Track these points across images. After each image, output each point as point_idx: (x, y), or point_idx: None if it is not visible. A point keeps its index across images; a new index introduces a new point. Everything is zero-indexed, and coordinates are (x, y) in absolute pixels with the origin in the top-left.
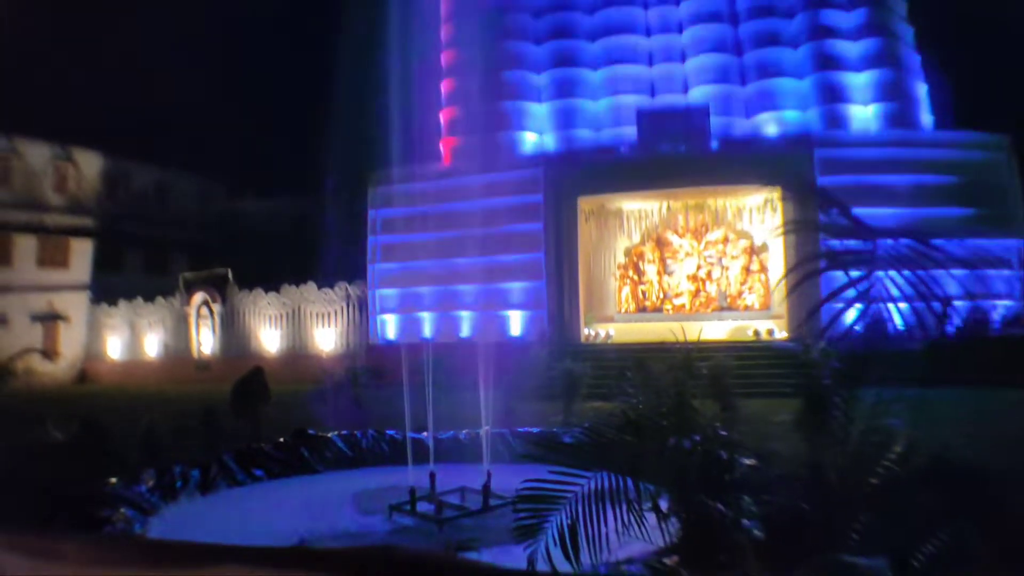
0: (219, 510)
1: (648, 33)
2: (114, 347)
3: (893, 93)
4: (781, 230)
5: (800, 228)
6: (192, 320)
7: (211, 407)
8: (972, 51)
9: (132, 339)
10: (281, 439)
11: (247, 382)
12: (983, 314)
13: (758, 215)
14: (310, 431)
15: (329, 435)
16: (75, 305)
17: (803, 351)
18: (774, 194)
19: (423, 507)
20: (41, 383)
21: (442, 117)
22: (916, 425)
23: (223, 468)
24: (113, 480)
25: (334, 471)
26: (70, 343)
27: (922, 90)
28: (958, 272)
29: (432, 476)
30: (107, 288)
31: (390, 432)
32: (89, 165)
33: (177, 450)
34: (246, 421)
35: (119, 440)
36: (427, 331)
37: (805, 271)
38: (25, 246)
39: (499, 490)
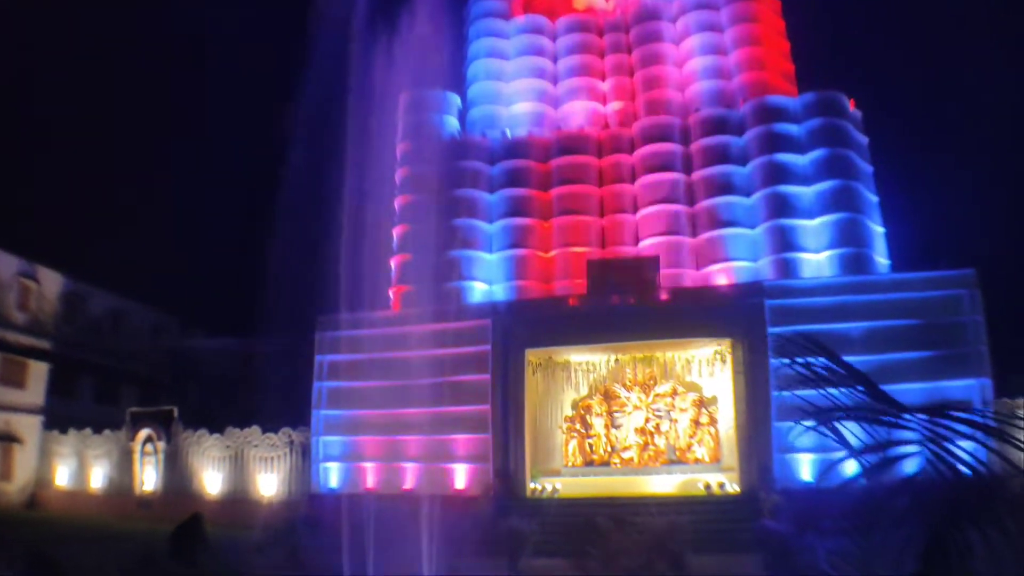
0: None
1: (600, 183)
2: (63, 475)
3: (849, 237)
4: (740, 379)
5: (789, 383)
6: (136, 456)
7: (150, 551)
8: (928, 189)
9: (80, 469)
10: None
11: (186, 528)
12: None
13: (707, 367)
14: None
15: None
16: (29, 428)
17: (756, 504)
18: (724, 346)
19: None
20: None
21: (393, 263)
22: None
23: None
24: None
25: None
26: (23, 466)
27: (879, 232)
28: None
29: None
30: (59, 414)
31: None
32: (51, 285)
33: None
34: (184, 568)
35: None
36: (370, 481)
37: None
38: None
39: None
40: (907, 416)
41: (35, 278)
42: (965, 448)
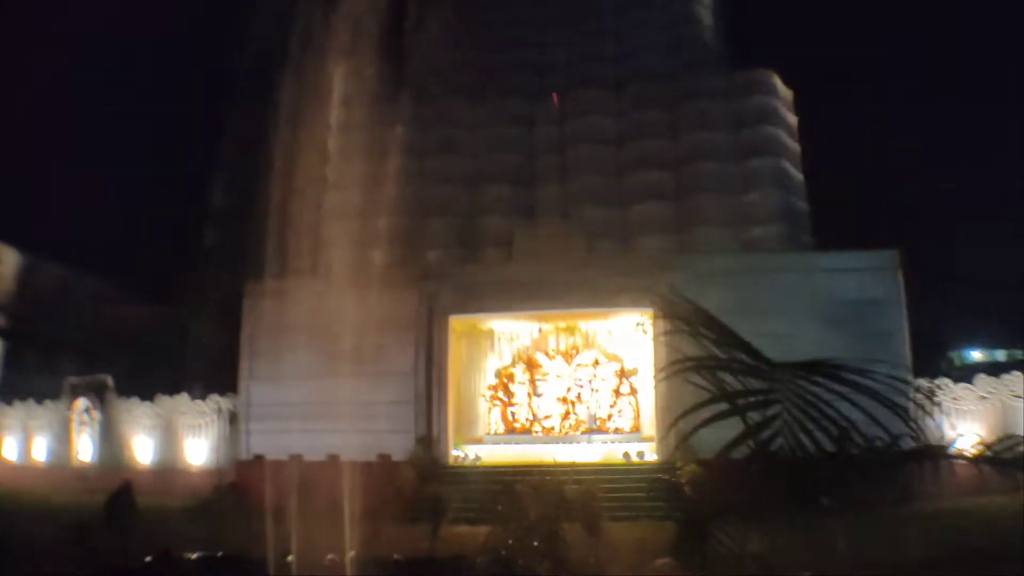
0: None
1: (532, 153)
2: (9, 449)
3: (774, 214)
4: (660, 349)
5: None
6: (74, 426)
7: (84, 522)
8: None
9: (24, 442)
10: (148, 558)
11: (117, 498)
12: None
13: (629, 338)
14: (172, 553)
15: (192, 557)
16: None
17: (674, 473)
18: (646, 316)
19: None
20: None
21: (322, 230)
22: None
23: None
24: None
25: None
26: None
27: (804, 210)
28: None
29: None
30: (11, 387)
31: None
32: (7, 262)
33: (56, 563)
34: (117, 538)
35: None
36: (297, 447)
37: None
38: None
39: None
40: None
41: None
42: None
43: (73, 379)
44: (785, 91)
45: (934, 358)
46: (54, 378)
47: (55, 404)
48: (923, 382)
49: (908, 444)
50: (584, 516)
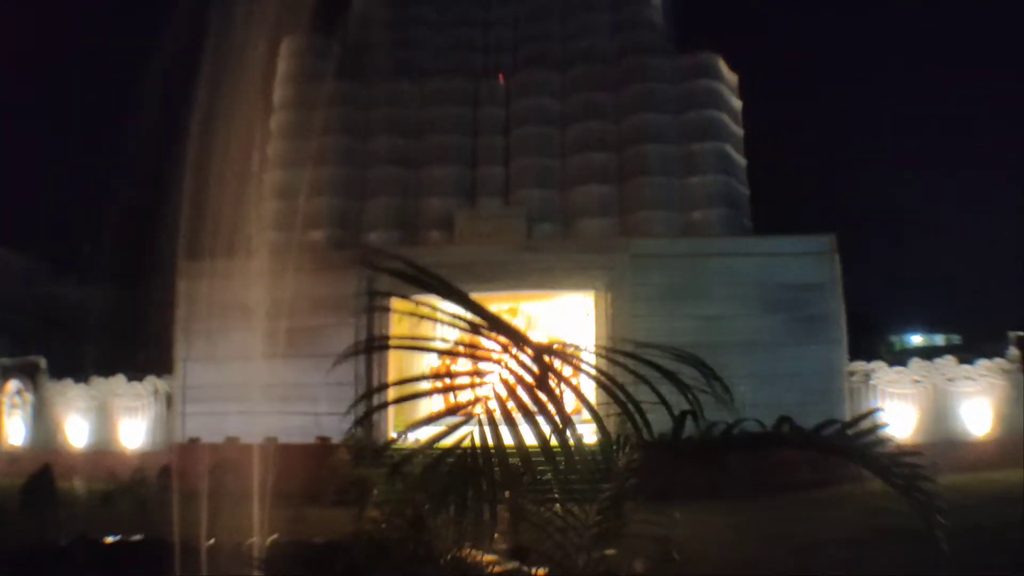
0: None
1: (475, 133)
2: None
3: (716, 198)
4: (602, 332)
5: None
6: (4, 408)
7: (2, 507)
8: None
9: None
10: (63, 542)
11: (35, 481)
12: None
13: (573, 317)
14: (89, 537)
15: (108, 541)
16: None
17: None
18: (588, 297)
19: None
20: None
21: (263, 209)
22: None
23: None
24: None
25: None
26: None
27: (745, 194)
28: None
29: None
30: None
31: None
32: None
33: None
34: (34, 523)
35: None
36: (235, 430)
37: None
38: None
39: None
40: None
41: None
42: None
43: (3, 360)
44: (730, 75)
45: (873, 342)
46: None
47: None
48: (859, 365)
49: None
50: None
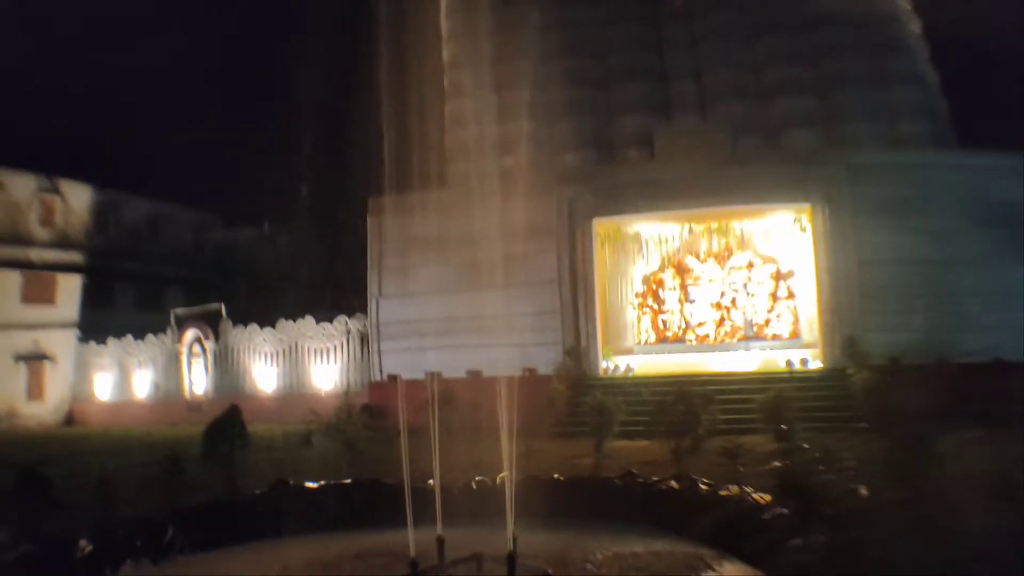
0: None
1: (660, 51)
2: (103, 387)
3: (921, 112)
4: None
5: None
6: (184, 358)
7: (178, 453)
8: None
9: (122, 379)
10: (256, 491)
11: (220, 425)
12: None
13: (785, 238)
14: (290, 482)
15: (313, 486)
16: (62, 344)
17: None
18: (802, 212)
19: None
20: (25, 426)
21: (447, 139)
22: None
23: (182, 528)
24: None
25: (318, 533)
26: (56, 384)
27: (944, 108)
28: None
29: (440, 541)
30: (96, 325)
31: (387, 483)
32: (77, 198)
33: (140, 503)
34: (220, 468)
35: (71, 493)
36: (433, 366)
37: None
38: (9, 282)
39: (527, 557)
40: None
41: (59, 192)
42: None
43: (180, 310)
44: None
45: None
46: (154, 313)
47: (158, 338)
48: None
49: None
50: (775, 425)
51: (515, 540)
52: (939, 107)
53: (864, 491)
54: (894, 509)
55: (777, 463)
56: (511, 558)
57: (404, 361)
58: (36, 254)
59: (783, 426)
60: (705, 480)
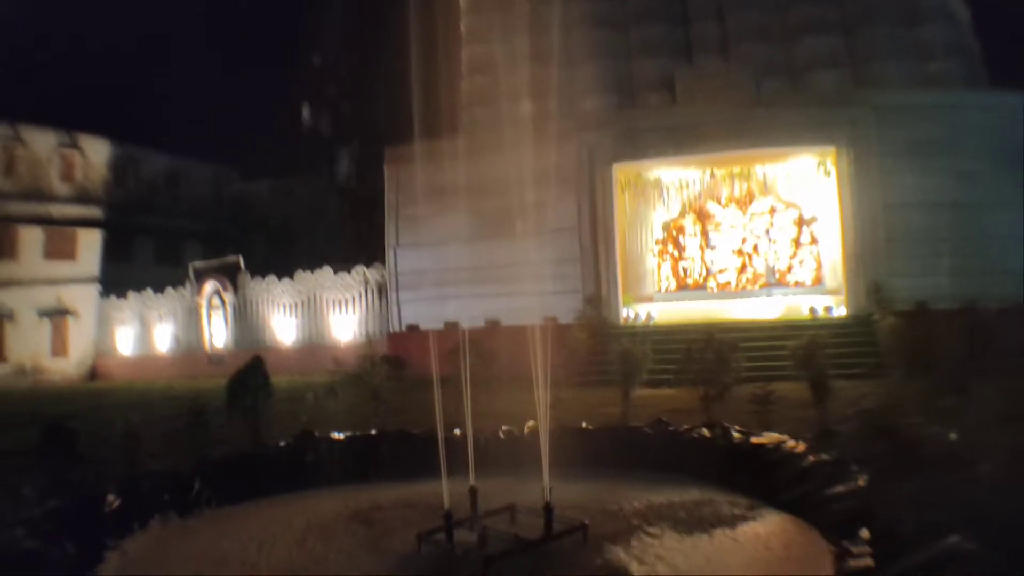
0: (199, 538)
1: None
2: (124, 342)
3: (952, 49)
4: (846, 192)
5: None
6: (203, 311)
7: (201, 406)
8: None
9: (143, 333)
10: (282, 443)
11: (243, 376)
12: None
13: (807, 182)
14: (316, 433)
15: (340, 437)
16: (84, 299)
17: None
18: (826, 156)
19: (462, 535)
20: (51, 382)
21: (464, 86)
22: None
23: (208, 481)
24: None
25: (346, 484)
26: (80, 339)
27: (975, 47)
28: None
29: (473, 492)
30: (116, 280)
31: (415, 433)
32: (96, 153)
33: (165, 457)
34: (244, 421)
35: (96, 447)
36: (452, 315)
37: None
38: (31, 238)
39: (561, 508)
40: None
41: (78, 147)
42: None
43: (198, 263)
44: None
45: None
46: (173, 266)
47: (178, 291)
48: None
49: None
50: (809, 372)
51: (550, 490)
52: (970, 45)
53: (953, 435)
54: (984, 453)
55: (864, 407)
56: (548, 508)
57: (423, 311)
58: (57, 210)
59: (819, 372)
60: (738, 427)
